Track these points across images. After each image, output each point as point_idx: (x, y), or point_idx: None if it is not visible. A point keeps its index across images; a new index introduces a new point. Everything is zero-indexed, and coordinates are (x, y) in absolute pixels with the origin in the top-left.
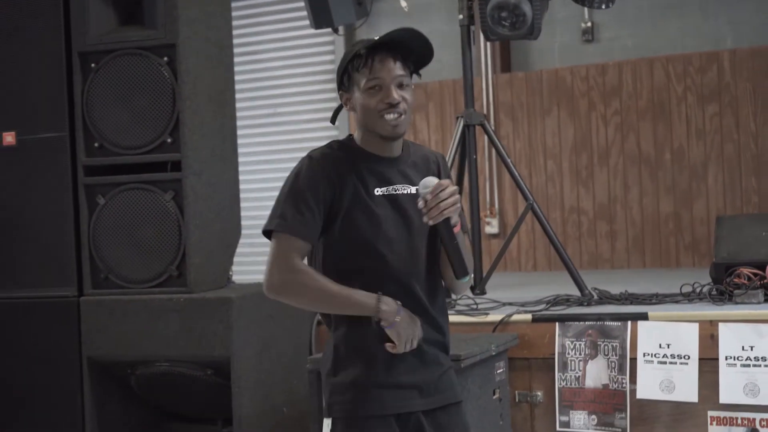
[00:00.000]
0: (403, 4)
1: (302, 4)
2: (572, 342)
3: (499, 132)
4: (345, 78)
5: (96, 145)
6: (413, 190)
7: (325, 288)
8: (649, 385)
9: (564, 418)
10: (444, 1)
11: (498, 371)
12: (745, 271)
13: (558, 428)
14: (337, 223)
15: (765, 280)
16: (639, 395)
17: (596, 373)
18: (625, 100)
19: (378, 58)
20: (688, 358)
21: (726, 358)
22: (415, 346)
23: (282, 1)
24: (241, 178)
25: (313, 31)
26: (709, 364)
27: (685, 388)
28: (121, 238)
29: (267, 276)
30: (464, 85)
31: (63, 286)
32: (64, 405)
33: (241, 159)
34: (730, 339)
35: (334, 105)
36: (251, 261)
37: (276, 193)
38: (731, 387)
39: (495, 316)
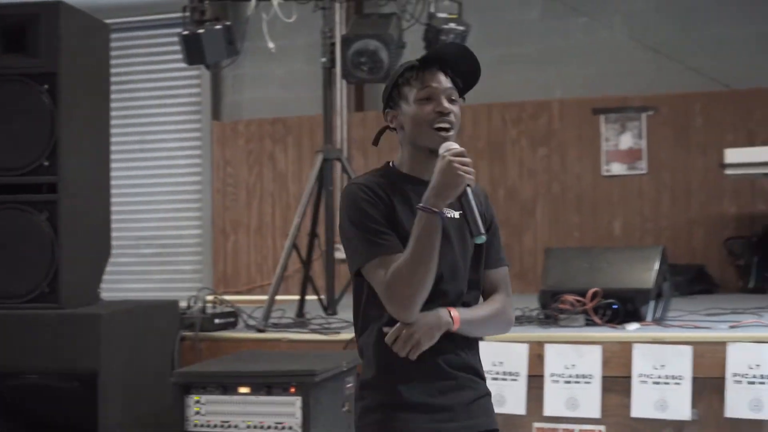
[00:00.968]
0: (270, 45)
1: (172, 38)
2: None
3: (352, 166)
4: (394, 93)
5: None
6: (456, 214)
7: (407, 259)
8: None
9: None
10: (306, 44)
11: (347, 386)
12: (569, 297)
13: None
14: None
15: (586, 306)
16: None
17: None
18: (466, 141)
19: (429, 71)
20: (518, 375)
21: (551, 375)
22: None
23: (152, 36)
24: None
25: (181, 64)
26: (536, 380)
27: (515, 402)
28: None
29: (390, 303)
30: (324, 122)
31: None
32: None
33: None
34: (555, 358)
35: (200, 135)
36: (116, 279)
37: (138, 215)
38: (554, 401)
39: (346, 335)
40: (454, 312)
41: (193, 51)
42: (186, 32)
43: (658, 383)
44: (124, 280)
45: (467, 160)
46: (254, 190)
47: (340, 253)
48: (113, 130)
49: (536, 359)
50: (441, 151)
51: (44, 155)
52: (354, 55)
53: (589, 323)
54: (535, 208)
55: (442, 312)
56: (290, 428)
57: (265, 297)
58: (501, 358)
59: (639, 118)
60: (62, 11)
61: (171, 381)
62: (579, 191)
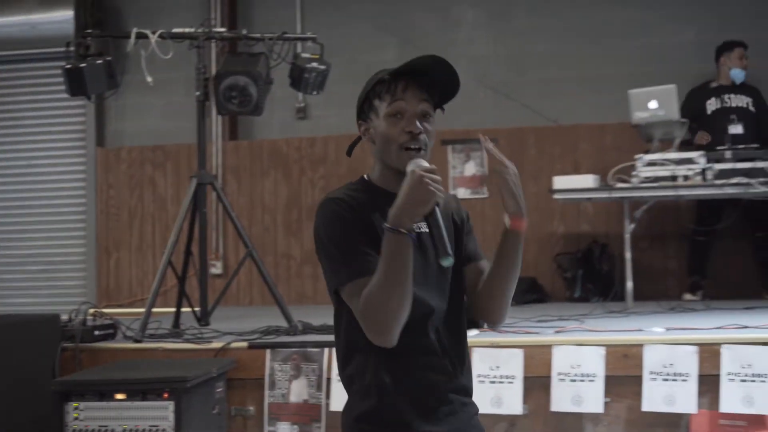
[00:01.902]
0: (149, 79)
1: (57, 70)
2: (280, 365)
3: (226, 190)
4: (366, 105)
5: None
6: (425, 228)
7: (379, 282)
8: (340, 400)
9: (272, 428)
10: (185, 78)
11: (218, 390)
12: None
13: None
14: None
15: None
16: (332, 408)
17: (298, 391)
18: (329, 167)
19: (402, 85)
20: None
21: None
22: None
23: (40, 68)
24: None
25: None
26: None
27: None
28: None
29: (366, 330)
30: (198, 150)
31: None
32: None
33: None
34: None
35: (85, 160)
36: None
37: (25, 234)
38: None
39: (217, 344)
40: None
41: (76, 83)
42: (69, 66)
43: (494, 382)
44: (11, 296)
45: (437, 177)
46: (135, 212)
47: (215, 269)
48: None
49: None
50: (409, 167)
51: None
52: (225, 90)
53: None
54: None
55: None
56: (164, 430)
57: (155, 309)
58: None
59: (481, 149)
60: None
61: (51, 389)
62: None
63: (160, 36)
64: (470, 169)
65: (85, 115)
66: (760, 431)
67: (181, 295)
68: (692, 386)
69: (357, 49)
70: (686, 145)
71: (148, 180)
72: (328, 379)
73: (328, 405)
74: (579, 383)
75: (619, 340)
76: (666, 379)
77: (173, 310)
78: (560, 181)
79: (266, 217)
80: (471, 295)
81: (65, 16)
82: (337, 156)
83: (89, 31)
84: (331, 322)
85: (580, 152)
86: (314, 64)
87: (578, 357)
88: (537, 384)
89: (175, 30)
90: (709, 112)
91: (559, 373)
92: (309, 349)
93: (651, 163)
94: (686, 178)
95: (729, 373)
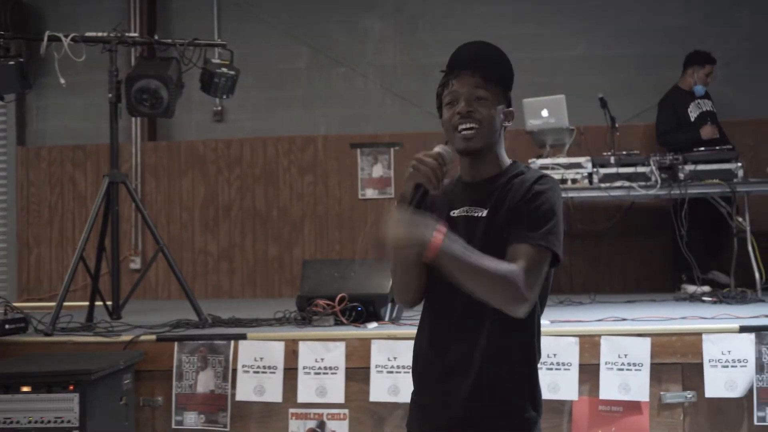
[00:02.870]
0: (62, 80)
1: None
2: (187, 357)
3: (145, 188)
4: (438, 102)
5: None
6: (481, 213)
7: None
8: (245, 390)
9: (179, 418)
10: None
11: (125, 382)
12: (321, 302)
13: (174, 426)
14: None
15: (335, 309)
16: (238, 398)
17: (205, 381)
18: (245, 168)
19: (455, 75)
20: (276, 368)
21: (303, 368)
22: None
23: None
24: None
25: None
26: (290, 372)
27: (273, 392)
28: None
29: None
30: (110, 150)
31: None
32: None
33: None
34: (307, 353)
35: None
36: None
37: None
38: (307, 390)
39: (126, 337)
40: (440, 233)
41: None
42: None
43: (391, 372)
44: None
45: (429, 161)
46: (56, 209)
47: (134, 264)
48: None
49: (291, 354)
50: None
51: None
52: (137, 93)
53: (338, 323)
54: (303, 226)
55: (428, 227)
56: (69, 422)
57: (70, 303)
58: (262, 354)
59: (388, 152)
60: None
61: None
62: (339, 212)
63: (73, 39)
64: (378, 170)
65: (5, 115)
66: (635, 416)
67: (94, 290)
68: (574, 375)
69: (271, 57)
70: (695, 143)
71: (69, 178)
72: (234, 370)
73: (233, 395)
74: None
75: None
76: (550, 368)
77: (87, 304)
78: None
79: (184, 215)
80: None
81: None
82: (252, 157)
83: (1, 33)
84: (240, 315)
85: None
86: (224, 70)
87: None
88: None
89: (88, 34)
90: (692, 118)
91: None
92: (216, 342)
93: (543, 167)
94: (574, 181)
95: (607, 363)
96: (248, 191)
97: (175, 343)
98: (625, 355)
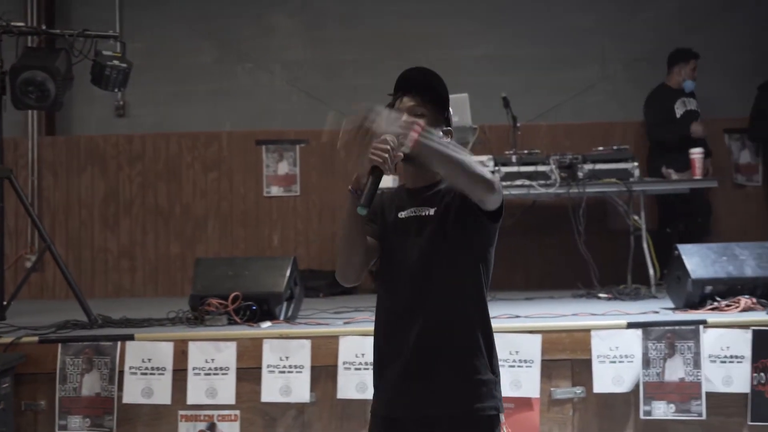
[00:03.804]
0: None
1: None
2: (72, 359)
3: (42, 184)
4: None
5: None
6: (429, 212)
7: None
8: (133, 392)
9: (63, 422)
10: None
11: (4, 385)
12: (214, 301)
13: (57, 431)
14: None
15: (228, 308)
16: (125, 400)
17: (91, 384)
18: (147, 164)
19: (399, 97)
20: (165, 369)
21: (193, 369)
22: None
23: None
24: None
25: None
26: (180, 374)
27: (162, 394)
28: None
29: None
30: None
31: None
32: None
33: None
34: (197, 354)
35: None
36: None
37: None
38: (196, 391)
39: (6, 339)
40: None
41: None
42: None
43: (283, 372)
44: None
45: (384, 146)
46: None
47: (30, 263)
48: None
49: (181, 355)
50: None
51: None
52: (21, 84)
53: (231, 322)
54: (207, 223)
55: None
56: None
57: None
58: (150, 355)
59: (294, 149)
60: None
61: None
62: (244, 209)
63: None
64: (283, 168)
65: None
66: (527, 412)
67: None
68: None
69: (175, 51)
70: (686, 140)
71: None
72: (121, 372)
73: (120, 398)
74: (363, 371)
75: None
76: None
77: None
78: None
79: (83, 212)
80: None
81: None
82: (155, 153)
83: None
84: (139, 315)
85: None
86: (115, 62)
87: (363, 346)
88: (324, 373)
89: None
90: (678, 115)
91: (345, 362)
92: (102, 343)
93: None
94: None
95: (501, 360)
96: (150, 188)
97: (59, 345)
98: (517, 352)
